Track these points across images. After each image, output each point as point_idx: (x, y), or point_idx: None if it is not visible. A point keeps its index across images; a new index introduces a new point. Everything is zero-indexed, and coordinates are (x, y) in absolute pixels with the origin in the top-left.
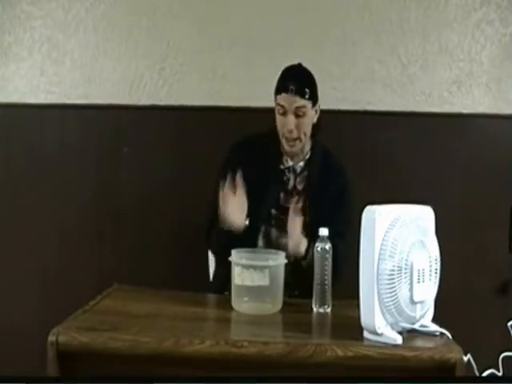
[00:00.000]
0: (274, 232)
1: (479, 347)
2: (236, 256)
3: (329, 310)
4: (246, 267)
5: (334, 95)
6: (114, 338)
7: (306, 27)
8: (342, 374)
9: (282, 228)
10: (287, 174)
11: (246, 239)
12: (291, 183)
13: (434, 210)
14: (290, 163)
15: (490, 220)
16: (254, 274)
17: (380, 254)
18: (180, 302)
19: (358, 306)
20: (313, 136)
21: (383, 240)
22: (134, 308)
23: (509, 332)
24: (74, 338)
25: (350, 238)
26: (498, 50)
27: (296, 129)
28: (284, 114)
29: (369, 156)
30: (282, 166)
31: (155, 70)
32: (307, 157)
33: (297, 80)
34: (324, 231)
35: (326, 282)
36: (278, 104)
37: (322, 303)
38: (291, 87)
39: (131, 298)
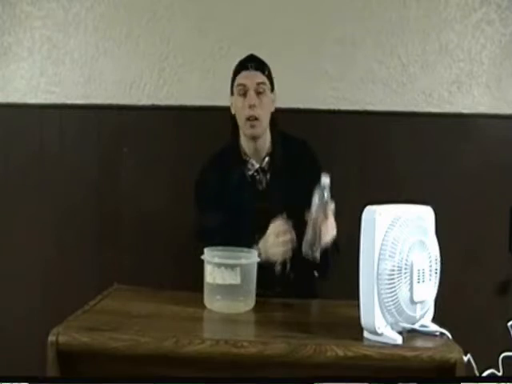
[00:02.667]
0: (260, 237)
1: (479, 347)
2: (208, 254)
3: (318, 256)
4: (218, 265)
5: (334, 95)
6: (114, 338)
7: (306, 27)
8: (342, 373)
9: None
10: (257, 176)
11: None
12: (264, 183)
13: (434, 210)
14: (256, 165)
15: (489, 220)
16: (225, 272)
17: (380, 253)
18: (180, 302)
19: (357, 306)
20: (271, 131)
21: (383, 240)
22: (134, 308)
23: (509, 332)
24: (74, 338)
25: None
26: (498, 50)
27: (258, 106)
28: (244, 94)
29: (369, 156)
30: (249, 172)
31: (155, 70)
32: (269, 151)
33: (254, 60)
34: (326, 180)
35: (318, 227)
36: (238, 84)
37: (313, 250)
38: (250, 64)
39: (131, 297)
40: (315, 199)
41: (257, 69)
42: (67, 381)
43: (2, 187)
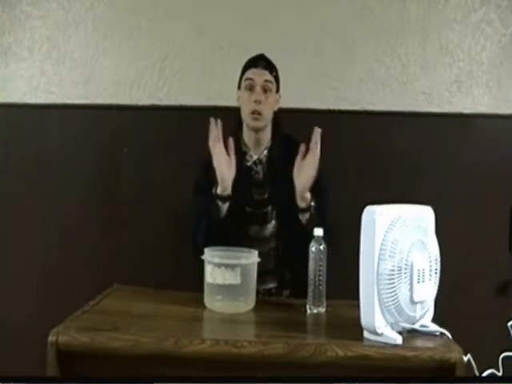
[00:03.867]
0: (253, 228)
1: (479, 347)
2: (208, 254)
3: (323, 310)
4: (218, 265)
5: (334, 95)
6: (114, 338)
7: (306, 27)
8: (342, 374)
9: (261, 222)
10: (254, 167)
11: (224, 239)
12: (261, 175)
13: (434, 210)
14: (255, 157)
15: (490, 220)
16: (226, 272)
17: (380, 253)
18: (180, 302)
19: (357, 306)
20: (273, 128)
21: (383, 240)
22: (134, 308)
23: (509, 332)
24: (74, 338)
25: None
26: (498, 50)
27: (263, 103)
28: (251, 88)
29: (369, 156)
30: (248, 163)
31: (155, 70)
32: (269, 145)
33: (264, 59)
34: (319, 231)
35: (321, 283)
36: (246, 79)
37: (317, 304)
38: (260, 62)
39: (131, 298)
40: (310, 252)
41: (265, 68)
42: (67, 381)
43: (2, 187)
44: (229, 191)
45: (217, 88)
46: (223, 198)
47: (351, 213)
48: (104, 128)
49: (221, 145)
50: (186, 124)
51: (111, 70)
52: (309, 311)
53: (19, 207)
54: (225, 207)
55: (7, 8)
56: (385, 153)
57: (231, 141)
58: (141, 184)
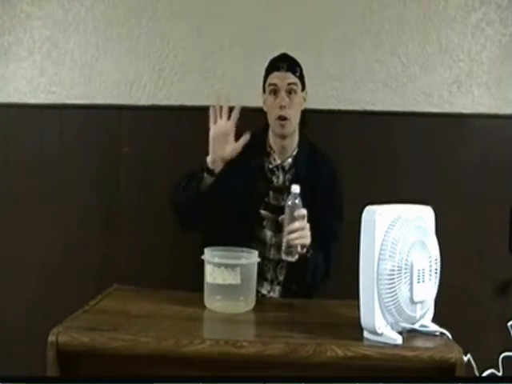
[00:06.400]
0: (266, 233)
1: (479, 347)
2: (208, 254)
3: (295, 258)
4: (218, 266)
5: (334, 95)
6: (114, 337)
7: (306, 27)
8: (342, 373)
9: (275, 229)
10: (276, 172)
11: (239, 243)
12: (280, 181)
13: (434, 210)
14: (278, 161)
15: (490, 220)
16: (226, 272)
17: (380, 254)
18: (180, 302)
19: (357, 306)
20: (300, 130)
21: (383, 240)
22: (134, 308)
23: (509, 332)
24: (74, 338)
25: (341, 236)
26: (498, 50)
27: (288, 107)
28: (276, 93)
29: (369, 156)
30: (270, 165)
31: (155, 70)
32: (294, 153)
33: (286, 60)
34: (296, 188)
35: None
36: (270, 84)
37: (290, 253)
38: (282, 65)
39: (131, 297)
40: (286, 206)
41: (288, 70)
42: (67, 381)
43: (1, 187)
44: (217, 166)
45: (217, 88)
46: (209, 171)
47: (351, 213)
48: (104, 128)
49: (224, 119)
50: (186, 124)
51: (111, 70)
52: (283, 257)
53: (19, 207)
54: (208, 181)
55: (7, 8)
56: (385, 153)
57: (237, 112)
58: (141, 184)
